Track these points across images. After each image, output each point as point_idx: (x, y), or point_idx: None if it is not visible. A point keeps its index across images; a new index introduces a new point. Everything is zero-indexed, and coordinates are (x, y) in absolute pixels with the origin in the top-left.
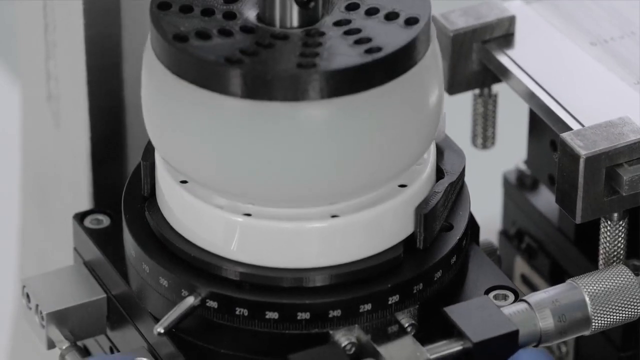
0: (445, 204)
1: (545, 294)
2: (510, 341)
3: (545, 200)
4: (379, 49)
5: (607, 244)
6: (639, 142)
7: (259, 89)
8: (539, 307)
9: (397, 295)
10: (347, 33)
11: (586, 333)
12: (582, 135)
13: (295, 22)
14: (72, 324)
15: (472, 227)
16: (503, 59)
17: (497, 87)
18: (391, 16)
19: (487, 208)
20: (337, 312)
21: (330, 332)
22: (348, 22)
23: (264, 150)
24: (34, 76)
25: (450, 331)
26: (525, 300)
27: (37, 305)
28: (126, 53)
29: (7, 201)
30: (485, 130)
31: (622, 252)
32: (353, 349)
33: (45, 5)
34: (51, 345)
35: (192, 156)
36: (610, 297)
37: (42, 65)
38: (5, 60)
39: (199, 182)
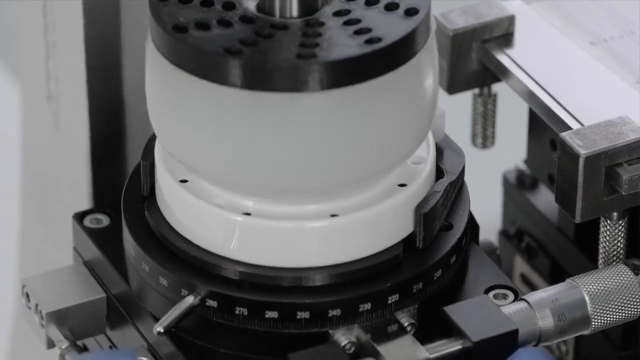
0: (444, 204)
1: (545, 293)
2: (510, 340)
3: (544, 199)
4: (378, 40)
5: (607, 244)
6: (639, 142)
7: (258, 79)
8: (538, 307)
9: (397, 295)
10: (347, 23)
11: (586, 332)
12: (581, 135)
13: (294, 12)
14: (72, 324)
15: (472, 226)
16: (503, 58)
17: (496, 87)
18: (391, 6)
19: (486, 207)
20: (336, 312)
21: (330, 331)
22: (348, 12)
23: (264, 140)
24: (34, 76)
25: (450, 330)
26: (524, 300)
27: (36, 305)
28: (126, 53)
29: (7, 201)
30: (484, 130)
31: (621, 251)
32: (353, 348)
33: (45, 5)
34: (51, 344)
35: (193, 147)
36: (610, 296)
37: (42, 65)
38: (5, 60)
39: (201, 173)
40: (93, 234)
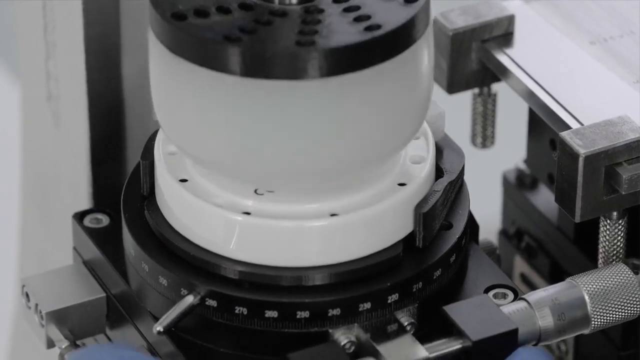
0: (444, 203)
1: (545, 292)
2: (510, 340)
3: (544, 199)
4: (378, 27)
5: (607, 243)
6: (638, 141)
7: (257, 67)
8: (538, 306)
9: (397, 294)
10: (347, 10)
11: (585, 332)
12: (581, 134)
13: None
14: (72, 323)
15: (472, 226)
16: (502, 58)
17: (496, 86)
18: None
19: (486, 207)
20: (336, 311)
21: (330, 330)
22: None
23: (263, 128)
24: (34, 76)
25: (450, 330)
26: (524, 299)
27: (36, 305)
28: (126, 53)
29: (7, 201)
30: (484, 130)
31: (621, 250)
32: (352, 347)
33: (45, 5)
34: (51, 344)
35: (194, 135)
36: (610, 295)
37: (42, 65)
38: (5, 60)
39: (203, 162)
40: (93, 233)
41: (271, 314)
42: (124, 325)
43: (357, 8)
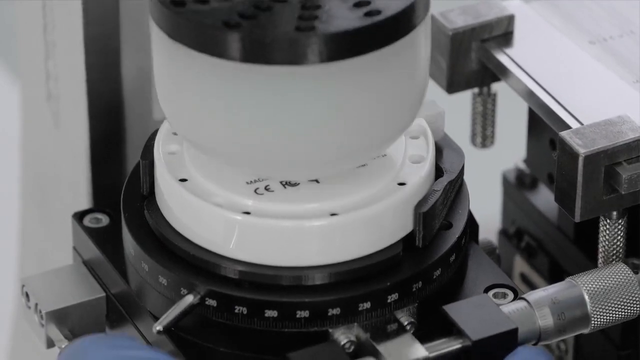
0: (444, 203)
1: (545, 292)
2: (510, 339)
3: (544, 199)
4: (378, 12)
5: (606, 243)
6: (638, 141)
7: (257, 52)
8: (538, 305)
9: (397, 294)
10: None
11: (585, 331)
12: (581, 134)
13: None
14: (72, 323)
15: (471, 225)
16: (502, 57)
17: (496, 86)
18: None
19: (486, 207)
20: (336, 311)
21: (330, 330)
22: None
23: (263, 114)
24: (34, 76)
25: (450, 329)
26: (524, 299)
27: (36, 304)
28: (125, 53)
29: (7, 201)
30: (484, 129)
31: (621, 250)
32: (352, 347)
33: (45, 5)
34: (50, 344)
35: (194, 121)
36: (610, 295)
37: (42, 65)
38: (5, 60)
39: (204, 149)
40: (92, 233)
41: (271, 313)
42: (124, 324)
43: None
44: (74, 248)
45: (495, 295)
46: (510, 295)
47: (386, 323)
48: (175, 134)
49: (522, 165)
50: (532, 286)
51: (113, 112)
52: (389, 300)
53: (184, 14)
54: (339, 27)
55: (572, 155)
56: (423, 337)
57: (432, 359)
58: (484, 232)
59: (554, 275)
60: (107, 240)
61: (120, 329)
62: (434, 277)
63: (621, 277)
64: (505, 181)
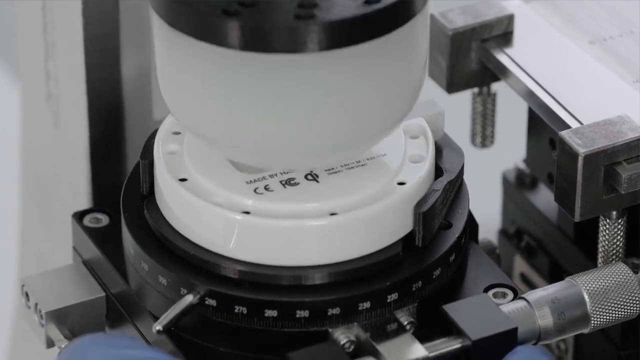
0: (444, 202)
1: (544, 291)
2: (509, 339)
3: (544, 198)
4: (377, 0)
5: (606, 242)
6: (638, 140)
7: (256, 40)
8: (537, 305)
9: (396, 293)
10: None
11: (585, 331)
12: (580, 134)
13: None
14: (72, 323)
15: (471, 225)
16: (502, 57)
17: (496, 86)
18: None
19: (486, 207)
20: (336, 310)
21: (330, 330)
22: None
23: (263, 102)
24: (34, 76)
25: (449, 329)
26: (524, 298)
27: (36, 304)
28: (125, 52)
29: (7, 201)
30: (484, 129)
31: (620, 250)
32: (352, 347)
33: (45, 5)
34: (50, 344)
35: (194, 110)
36: (609, 294)
37: (42, 65)
38: (5, 60)
39: (205, 138)
40: (92, 233)
41: (271, 313)
42: (124, 324)
43: None
44: (74, 248)
45: (495, 295)
46: (510, 295)
47: (386, 323)
48: (175, 133)
49: (522, 165)
50: (532, 286)
51: (113, 112)
52: (388, 300)
53: (184, 2)
54: (338, 15)
55: (572, 155)
56: (423, 336)
57: (432, 358)
58: (484, 232)
59: (554, 275)
60: (107, 240)
61: (120, 329)
62: (434, 276)
63: (621, 276)
64: (505, 181)
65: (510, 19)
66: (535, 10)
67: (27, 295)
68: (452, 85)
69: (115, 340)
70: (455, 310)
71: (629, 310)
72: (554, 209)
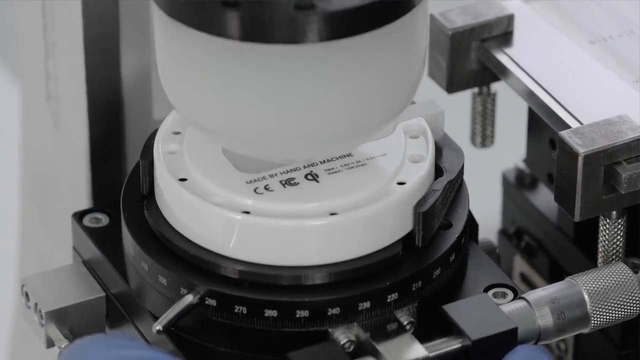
0: (443, 202)
1: (544, 291)
2: (509, 339)
3: (544, 198)
4: None
5: (606, 242)
6: (638, 140)
7: (256, 31)
8: (537, 305)
9: (396, 293)
10: None
11: (585, 331)
12: (580, 134)
13: None
14: (72, 323)
15: (471, 225)
16: (502, 57)
17: (496, 86)
18: None
19: (486, 207)
20: (336, 310)
21: (329, 330)
22: None
23: (263, 93)
24: (34, 76)
25: (449, 329)
26: (524, 298)
27: (36, 304)
28: (125, 53)
29: (7, 201)
30: (484, 129)
31: (621, 250)
32: (352, 346)
33: (45, 5)
34: (50, 344)
35: (194, 101)
36: (609, 294)
37: (42, 65)
38: (5, 60)
39: (205, 130)
40: (92, 233)
41: (271, 313)
42: (124, 324)
43: None
44: (74, 248)
45: (495, 295)
46: (510, 294)
47: (386, 323)
48: (175, 133)
49: (522, 165)
50: (532, 286)
51: (113, 112)
52: (388, 300)
53: None
54: (338, 5)
55: (572, 154)
56: (423, 336)
57: (432, 358)
58: (484, 231)
59: (554, 275)
60: (106, 240)
61: (120, 329)
62: (434, 276)
63: (621, 276)
64: (505, 181)
65: (510, 19)
66: (535, 10)
67: (27, 295)
68: (452, 85)
69: (115, 340)
70: (455, 310)
71: (629, 310)
72: (554, 209)
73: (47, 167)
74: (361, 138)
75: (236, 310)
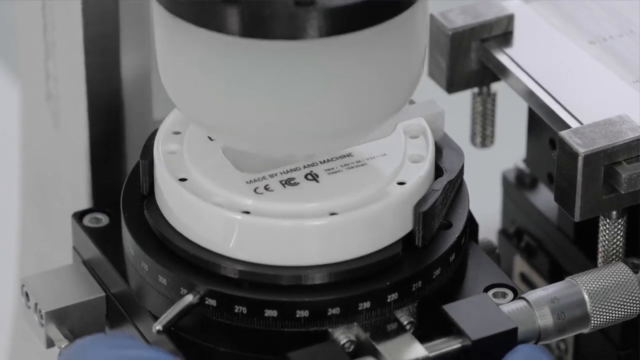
0: (443, 202)
1: (544, 291)
2: (509, 339)
3: (544, 198)
4: None
5: (606, 242)
6: (638, 140)
7: (256, 27)
8: (537, 305)
9: (396, 293)
10: None
11: (585, 331)
12: (580, 134)
13: None
14: (72, 323)
15: (471, 225)
16: (502, 57)
17: (496, 86)
18: None
19: (486, 207)
20: (336, 310)
21: (329, 330)
22: None
23: (263, 88)
24: (34, 76)
25: (449, 329)
26: (524, 298)
27: (36, 304)
28: (125, 52)
29: (7, 201)
30: (484, 129)
31: (620, 250)
32: (352, 346)
33: (45, 5)
34: (50, 344)
35: (194, 97)
36: (609, 294)
37: (42, 65)
38: (5, 60)
39: (205, 126)
40: (92, 233)
41: (271, 313)
42: (124, 324)
43: None
44: (74, 248)
45: (495, 295)
46: (510, 294)
47: (386, 323)
48: (175, 133)
49: (522, 165)
50: (532, 286)
51: (113, 112)
52: (388, 300)
53: None
54: (338, 1)
55: (572, 154)
56: (423, 336)
57: (432, 358)
58: (484, 231)
59: (554, 275)
60: (106, 240)
61: (120, 329)
62: (434, 276)
63: (621, 276)
64: (505, 181)
65: (510, 19)
66: (535, 10)
67: (27, 295)
68: (452, 85)
69: (116, 340)
70: (455, 310)
71: (629, 310)
72: (554, 209)
73: (47, 167)
74: (361, 134)
75: (236, 310)
